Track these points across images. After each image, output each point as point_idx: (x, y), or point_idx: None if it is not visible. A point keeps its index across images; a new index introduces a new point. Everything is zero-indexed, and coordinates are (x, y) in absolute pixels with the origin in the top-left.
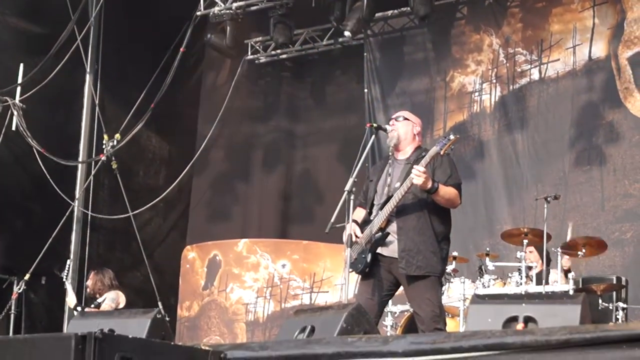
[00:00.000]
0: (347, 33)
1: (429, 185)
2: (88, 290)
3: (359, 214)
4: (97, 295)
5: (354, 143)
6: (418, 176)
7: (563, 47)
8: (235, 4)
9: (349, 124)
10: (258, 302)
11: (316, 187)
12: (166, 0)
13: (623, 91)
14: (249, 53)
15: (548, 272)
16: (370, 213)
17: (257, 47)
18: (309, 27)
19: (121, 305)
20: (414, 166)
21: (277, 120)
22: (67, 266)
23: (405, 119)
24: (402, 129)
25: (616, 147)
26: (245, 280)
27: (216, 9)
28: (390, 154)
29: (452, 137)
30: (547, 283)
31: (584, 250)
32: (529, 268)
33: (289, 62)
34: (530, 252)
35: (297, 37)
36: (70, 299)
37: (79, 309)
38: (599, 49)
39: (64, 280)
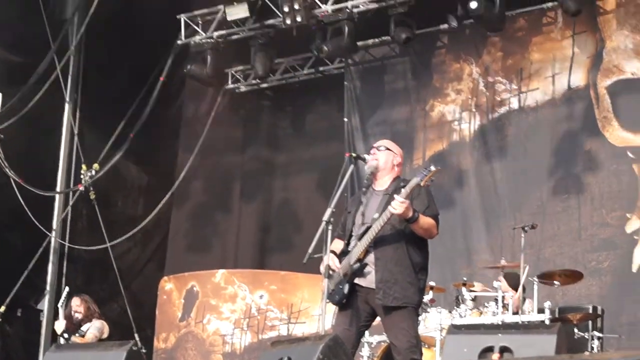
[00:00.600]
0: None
1: (410, 214)
2: (80, 316)
3: (337, 245)
4: (82, 323)
5: (334, 172)
6: (399, 206)
7: (542, 76)
8: (216, 33)
9: (329, 153)
10: (235, 333)
11: (295, 217)
12: (147, 30)
13: (602, 120)
14: (229, 82)
15: (523, 302)
16: (348, 244)
17: (238, 77)
18: (289, 56)
19: (105, 335)
20: (395, 196)
21: (257, 150)
22: (63, 293)
23: (387, 149)
24: (383, 158)
25: (594, 176)
26: (223, 311)
27: (197, 38)
28: (366, 182)
29: (432, 168)
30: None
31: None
32: (503, 298)
33: (270, 91)
34: (499, 279)
35: (277, 66)
36: (59, 325)
37: (65, 335)
38: (578, 78)
39: (59, 306)
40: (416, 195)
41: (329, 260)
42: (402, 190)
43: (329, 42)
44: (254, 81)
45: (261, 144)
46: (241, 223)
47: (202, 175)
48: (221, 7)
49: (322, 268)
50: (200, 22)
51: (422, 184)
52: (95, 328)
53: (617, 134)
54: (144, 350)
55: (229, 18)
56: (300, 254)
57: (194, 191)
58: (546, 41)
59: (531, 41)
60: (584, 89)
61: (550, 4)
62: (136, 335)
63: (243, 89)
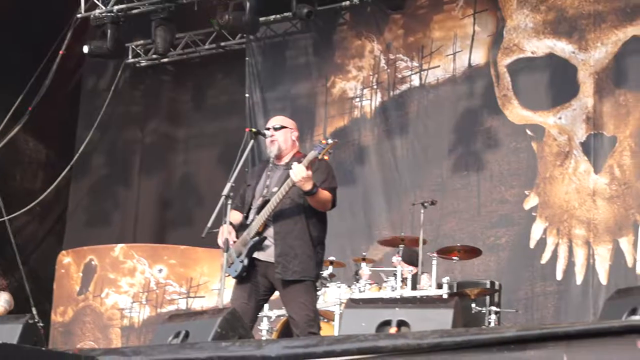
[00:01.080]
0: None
1: (309, 186)
2: None
3: (235, 217)
4: None
5: (235, 147)
6: (298, 172)
7: (443, 53)
8: (116, 7)
9: (230, 128)
10: (134, 307)
11: (196, 191)
12: (46, 4)
13: (501, 98)
14: (130, 56)
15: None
16: (247, 217)
17: (138, 51)
18: (190, 31)
19: (12, 308)
20: (294, 164)
21: (158, 124)
22: None
23: (283, 126)
24: (282, 138)
25: (494, 153)
26: (121, 285)
27: (97, 12)
28: (269, 158)
29: (330, 141)
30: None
31: (456, 258)
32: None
33: (170, 66)
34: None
35: (178, 41)
36: None
37: None
38: (479, 56)
39: None
40: (315, 168)
41: (227, 233)
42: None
43: (231, 17)
44: (154, 56)
45: (162, 119)
46: (141, 197)
47: (102, 150)
48: None
49: (219, 241)
50: None
51: (319, 157)
52: (4, 301)
53: (516, 112)
54: (41, 324)
55: None
56: (201, 229)
57: (94, 165)
58: (447, 19)
59: (432, 19)
60: (484, 67)
61: None
62: (33, 309)
63: (144, 63)
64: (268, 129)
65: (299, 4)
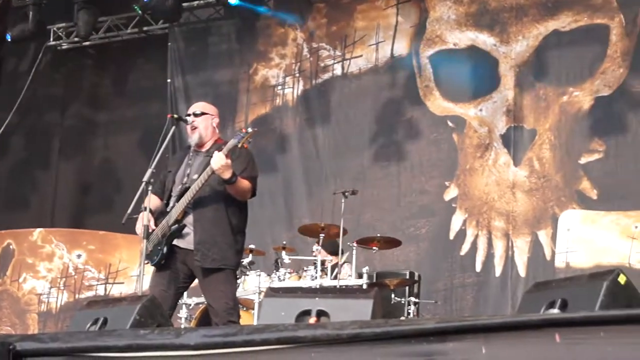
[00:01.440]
0: None
1: (228, 174)
2: None
3: (154, 202)
4: None
5: (156, 132)
6: (218, 160)
7: (366, 43)
8: None
9: (151, 113)
10: (52, 292)
11: (116, 176)
12: None
13: (423, 89)
14: (51, 39)
15: (342, 267)
16: (167, 204)
17: (60, 34)
18: (113, 14)
19: None
20: (215, 152)
21: (78, 108)
22: None
23: (204, 112)
24: (202, 125)
25: (415, 144)
26: (39, 270)
27: None
28: (190, 145)
29: (250, 130)
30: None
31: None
32: (322, 263)
33: (92, 50)
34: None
35: (101, 25)
36: None
37: None
38: (402, 47)
39: None
40: (236, 157)
41: (146, 220)
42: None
43: (154, 2)
44: (76, 39)
45: (83, 103)
46: (60, 182)
47: (21, 133)
48: None
49: (137, 228)
50: None
51: (239, 145)
52: None
53: (438, 103)
54: None
55: None
56: (121, 214)
57: (13, 148)
58: (371, 9)
59: (356, 9)
60: (406, 58)
61: None
62: None
63: (65, 46)
64: (189, 115)
65: None
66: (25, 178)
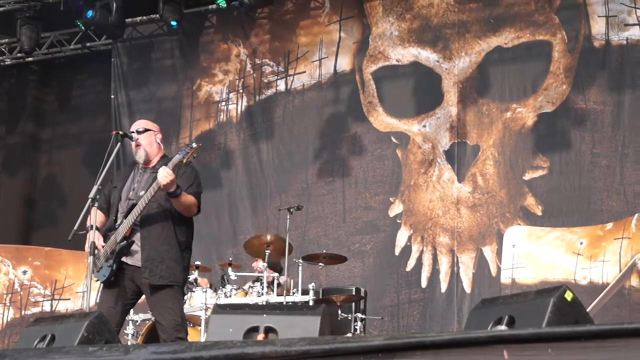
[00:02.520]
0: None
1: (173, 188)
2: None
3: (99, 218)
4: None
5: (100, 147)
6: (166, 176)
7: (309, 59)
8: None
9: (95, 129)
10: None
11: (61, 192)
12: None
13: (367, 105)
14: None
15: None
16: (115, 220)
17: (3, 49)
18: (56, 30)
19: None
20: (162, 167)
21: (22, 124)
22: None
23: (147, 129)
24: (146, 141)
25: (359, 159)
26: None
27: None
28: (138, 161)
29: (194, 145)
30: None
31: (322, 264)
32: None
33: (35, 66)
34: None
35: (44, 40)
36: None
37: None
38: (345, 63)
39: None
40: (182, 173)
41: (94, 237)
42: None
43: (97, 17)
44: (19, 54)
45: (26, 118)
46: (4, 197)
47: None
48: None
49: (87, 247)
50: None
51: (184, 160)
52: None
53: (381, 119)
54: None
55: None
56: (66, 230)
57: None
58: (313, 25)
59: (299, 25)
60: (349, 74)
61: None
62: None
63: (8, 62)
64: (132, 132)
65: (166, 6)
66: None
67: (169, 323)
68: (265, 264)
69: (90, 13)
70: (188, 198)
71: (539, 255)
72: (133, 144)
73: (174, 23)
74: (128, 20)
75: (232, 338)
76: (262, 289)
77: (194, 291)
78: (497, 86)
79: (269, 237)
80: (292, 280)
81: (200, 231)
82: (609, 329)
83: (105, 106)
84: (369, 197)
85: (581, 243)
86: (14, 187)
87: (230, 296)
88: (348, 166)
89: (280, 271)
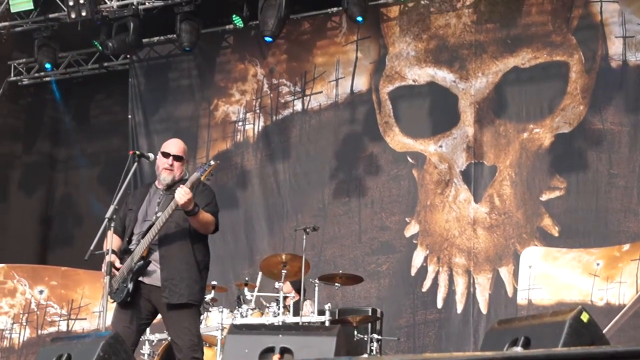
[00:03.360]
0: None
1: (190, 206)
2: None
3: (115, 242)
4: None
5: (117, 168)
6: (183, 195)
7: (326, 79)
8: None
9: (111, 149)
10: (14, 328)
11: (77, 211)
12: None
13: (383, 125)
14: (12, 74)
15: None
16: (129, 242)
17: (21, 69)
18: (74, 50)
19: None
20: (180, 186)
21: (39, 143)
22: None
23: (182, 158)
24: (178, 171)
25: (375, 179)
26: (1, 306)
27: None
28: (152, 182)
29: (212, 162)
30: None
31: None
32: (285, 299)
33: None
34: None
35: (61, 60)
36: None
37: None
38: (361, 83)
39: None
40: (199, 191)
41: (111, 258)
42: (185, 184)
43: (114, 37)
44: (37, 74)
45: (43, 138)
46: (21, 217)
47: None
48: None
49: (104, 267)
50: None
51: (202, 178)
52: None
53: (397, 139)
54: None
55: (12, 10)
56: (82, 250)
57: None
58: (330, 45)
59: (315, 45)
60: (366, 94)
61: (335, 9)
62: None
63: (26, 81)
64: (167, 154)
65: (183, 26)
66: None
67: (185, 343)
68: (282, 284)
69: None
70: (206, 216)
71: (555, 276)
72: (163, 165)
73: (187, 49)
74: (145, 40)
75: (247, 358)
76: (279, 309)
77: (210, 311)
78: (514, 106)
79: (284, 257)
80: (308, 301)
81: (217, 251)
82: (624, 350)
83: (122, 126)
84: (385, 217)
85: (598, 264)
86: (30, 206)
87: (246, 316)
88: (364, 186)
89: (298, 291)
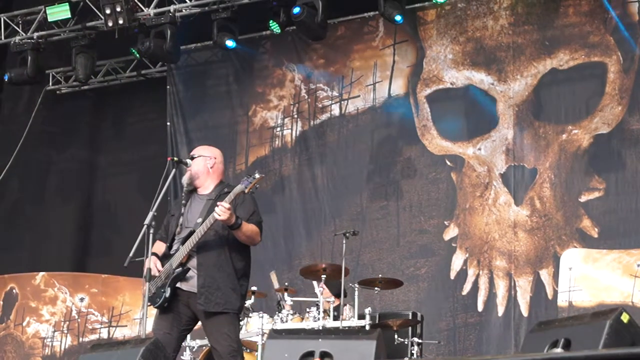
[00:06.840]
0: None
1: (232, 221)
2: None
3: (159, 247)
4: None
5: (155, 175)
6: (223, 212)
7: (363, 83)
8: (36, 34)
9: (149, 156)
10: (55, 336)
11: (115, 219)
12: None
13: (421, 128)
14: (50, 83)
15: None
16: (170, 247)
17: (59, 78)
18: (111, 58)
19: None
20: (219, 202)
21: (77, 151)
22: None
23: (200, 155)
24: (195, 167)
25: (412, 183)
26: (43, 314)
27: (17, 38)
28: (187, 188)
29: (257, 175)
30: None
31: (377, 289)
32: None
33: (91, 93)
34: (320, 286)
35: (99, 68)
36: None
37: None
38: (399, 86)
39: None
40: (240, 202)
41: (151, 263)
42: (227, 197)
43: (151, 45)
44: (75, 83)
45: (81, 145)
46: (59, 224)
47: (20, 176)
48: (42, 7)
49: (145, 271)
50: (20, 22)
51: (246, 191)
52: None
53: (435, 142)
54: None
55: (50, 19)
56: (121, 257)
57: (10, 191)
58: (367, 49)
59: (352, 49)
60: (404, 97)
61: (372, 13)
62: None
63: (64, 90)
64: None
65: (220, 32)
66: (25, 222)
67: (225, 349)
68: (322, 289)
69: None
70: (250, 227)
71: (595, 278)
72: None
73: (230, 45)
74: (183, 47)
75: None
76: (319, 313)
77: (250, 317)
78: (552, 108)
79: (324, 264)
80: (348, 305)
81: (256, 257)
82: None
83: (159, 133)
84: (424, 220)
85: (638, 265)
86: (68, 213)
87: (286, 321)
88: (402, 190)
89: (338, 295)
